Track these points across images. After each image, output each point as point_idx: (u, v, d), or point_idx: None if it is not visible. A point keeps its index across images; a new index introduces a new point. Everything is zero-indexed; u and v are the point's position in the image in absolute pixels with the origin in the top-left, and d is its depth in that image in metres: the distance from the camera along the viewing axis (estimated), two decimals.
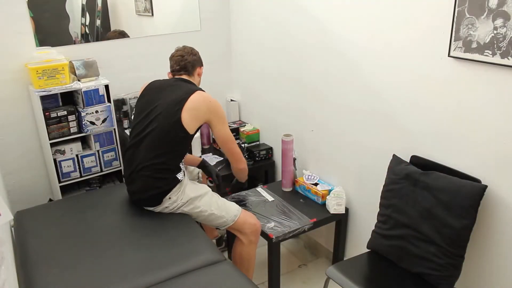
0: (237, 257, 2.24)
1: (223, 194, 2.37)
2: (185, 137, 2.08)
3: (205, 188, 2.23)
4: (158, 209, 2.10)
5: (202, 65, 2.32)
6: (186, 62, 2.23)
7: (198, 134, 3.01)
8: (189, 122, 2.05)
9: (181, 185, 2.11)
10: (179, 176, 2.10)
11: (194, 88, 2.14)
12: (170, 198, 2.08)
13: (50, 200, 2.69)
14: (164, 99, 2.10)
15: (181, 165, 2.14)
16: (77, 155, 2.53)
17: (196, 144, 2.98)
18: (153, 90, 2.20)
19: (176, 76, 2.24)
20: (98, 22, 2.69)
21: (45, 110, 2.38)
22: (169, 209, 2.10)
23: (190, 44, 3.01)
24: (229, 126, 3.14)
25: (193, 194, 2.13)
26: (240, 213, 2.20)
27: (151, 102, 2.14)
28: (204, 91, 2.16)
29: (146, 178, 2.06)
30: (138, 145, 2.10)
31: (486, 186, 1.67)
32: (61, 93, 2.47)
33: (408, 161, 1.97)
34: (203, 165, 2.47)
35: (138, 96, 2.26)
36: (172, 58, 2.27)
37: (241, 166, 2.32)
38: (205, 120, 2.12)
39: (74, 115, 2.46)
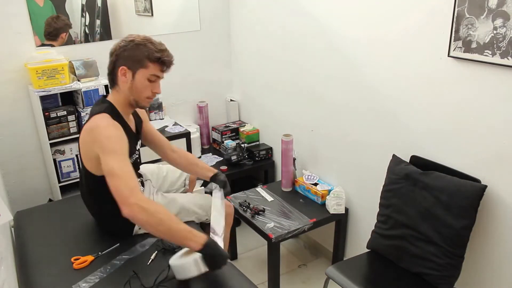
0: None
1: None
2: (93, 175, 1.74)
3: (176, 202, 2.00)
4: (135, 233, 1.93)
5: (125, 63, 1.69)
6: (108, 70, 1.76)
7: (197, 134, 3.02)
8: (92, 165, 1.72)
9: None
10: None
11: (90, 118, 1.72)
12: (140, 228, 1.90)
13: (50, 200, 2.69)
14: None
15: None
16: (76, 155, 2.53)
17: (195, 144, 2.98)
18: None
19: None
20: (97, 22, 2.69)
21: (44, 110, 2.38)
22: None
23: (189, 44, 3.04)
24: (228, 126, 3.18)
25: None
26: None
27: None
28: (105, 112, 1.69)
29: (104, 222, 1.92)
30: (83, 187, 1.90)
31: (485, 186, 1.67)
32: (60, 93, 2.46)
33: (408, 161, 1.97)
34: (215, 178, 2.05)
35: None
36: None
37: (124, 211, 1.50)
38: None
39: (73, 115, 2.46)
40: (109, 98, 1.79)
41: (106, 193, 1.60)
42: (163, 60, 1.71)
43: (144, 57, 1.68)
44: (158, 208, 1.54)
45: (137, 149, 1.92)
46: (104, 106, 1.74)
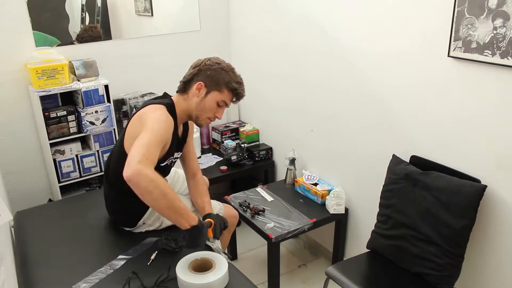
0: None
1: None
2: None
3: (186, 205, 1.94)
4: (136, 230, 1.96)
5: (204, 80, 1.78)
6: (184, 78, 1.85)
7: (197, 134, 3.01)
8: (128, 144, 1.72)
9: (153, 209, 1.89)
10: None
11: (149, 102, 1.80)
12: (144, 223, 1.94)
13: (50, 200, 2.69)
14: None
15: None
16: (76, 155, 2.53)
17: (195, 144, 2.98)
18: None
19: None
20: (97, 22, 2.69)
21: (44, 110, 2.38)
22: (150, 229, 1.96)
23: (189, 44, 3.04)
24: (228, 126, 3.17)
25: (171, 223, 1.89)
26: (223, 209, 2.13)
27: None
28: (163, 105, 1.75)
29: (112, 200, 1.94)
30: (107, 166, 1.96)
31: (485, 186, 1.67)
32: (60, 93, 2.46)
33: (408, 161, 1.97)
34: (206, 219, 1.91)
35: None
36: None
37: (126, 172, 1.50)
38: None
39: (73, 115, 2.46)
40: (175, 98, 1.85)
41: None
42: (238, 92, 1.82)
43: (223, 82, 1.79)
44: (165, 183, 1.57)
45: (174, 155, 1.91)
46: (165, 101, 1.80)
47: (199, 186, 2.06)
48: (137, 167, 1.48)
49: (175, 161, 1.99)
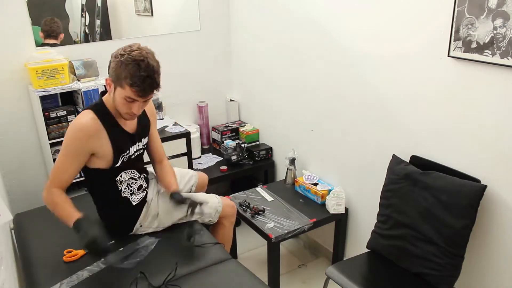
0: (220, 240, 2.17)
1: None
2: (87, 170, 1.83)
3: (184, 208, 1.98)
4: (134, 232, 1.97)
5: (111, 75, 1.67)
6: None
7: (197, 134, 3.01)
8: None
9: (147, 207, 1.95)
10: (136, 200, 1.91)
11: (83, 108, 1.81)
12: (141, 226, 1.95)
13: None
14: None
15: (127, 192, 1.89)
16: None
17: (195, 144, 2.98)
18: None
19: None
20: (97, 22, 2.69)
21: (44, 110, 2.38)
22: (149, 231, 1.97)
23: (189, 44, 3.04)
24: (228, 126, 3.18)
25: (169, 222, 2.00)
26: (221, 204, 2.14)
27: None
28: (90, 109, 1.75)
29: (105, 207, 1.95)
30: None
31: (485, 186, 1.67)
32: (60, 93, 2.46)
33: (408, 161, 1.97)
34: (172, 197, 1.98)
35: None
36: None
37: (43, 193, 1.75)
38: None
39: (73, 115, 2.45)
40: (105, 96, 1.82)
41: (98, 185, 1.89)
42: (138, 89, 1.63)
43: (122, 78, 1.62)
44: (55, 200, 1.75)
45: (131, 150, 1.89)
46: (95, 103, 1.81)
47: (167, 169, 2.07)
48: (43, 195, 1.76)
49: (140, 152, 1.96)
